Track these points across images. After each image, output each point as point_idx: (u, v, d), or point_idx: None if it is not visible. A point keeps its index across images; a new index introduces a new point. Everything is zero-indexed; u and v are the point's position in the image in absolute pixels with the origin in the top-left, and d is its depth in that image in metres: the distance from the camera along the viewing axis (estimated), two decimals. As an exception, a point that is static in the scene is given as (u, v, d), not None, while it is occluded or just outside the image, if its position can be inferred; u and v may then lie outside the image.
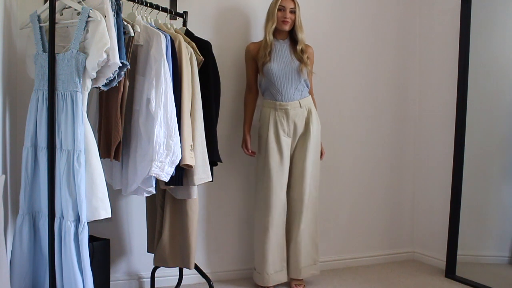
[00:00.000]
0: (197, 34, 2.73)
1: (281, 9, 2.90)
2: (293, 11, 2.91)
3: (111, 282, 2.66)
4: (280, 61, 2.93)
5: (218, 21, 3.13)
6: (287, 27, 2.93)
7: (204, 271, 2.85)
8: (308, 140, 2.96)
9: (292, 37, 3.00)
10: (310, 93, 3.08)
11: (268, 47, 2.91)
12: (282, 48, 2.96)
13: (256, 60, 2.99)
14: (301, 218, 2.99)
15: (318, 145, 3.03)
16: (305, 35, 2.97)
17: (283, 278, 3.01)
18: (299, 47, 2.94)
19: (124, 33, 2.21)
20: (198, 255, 2.92)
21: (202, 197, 3.09)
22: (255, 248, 3.04)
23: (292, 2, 2.91)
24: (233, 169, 3.20)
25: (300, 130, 2.97)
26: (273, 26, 2.91)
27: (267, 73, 2.93)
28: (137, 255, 2.98)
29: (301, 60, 2.93)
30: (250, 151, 3.03)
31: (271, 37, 2.92)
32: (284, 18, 2.90)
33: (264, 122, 2.97)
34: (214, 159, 2.64)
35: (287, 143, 2.95)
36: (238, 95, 3.16)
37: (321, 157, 3.11)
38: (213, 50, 2.73)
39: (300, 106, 2.95)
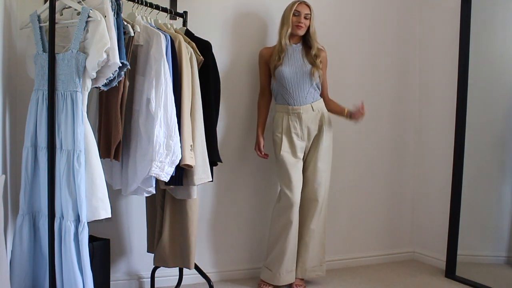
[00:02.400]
0: (197, 34, 2.73)
1: (296, 14, 2.92)
2: (308, 17, 2.94)
3: (111, 282, 2.66)
4: (292, 65, 2.94)
5: (220, 21, 3.13)
6: (300, 32, 2.95)
7: (205, 271, 2.84)
8: (320, 142, 2.98)
9: (305, 41, 3.02)
10: (326, 95, 3.09)
11: (282, 51, 2.93)
12: (294, 52, 2.98)
13: (268, 64, 3.01)
14: (313, 218, 3.00)
15: (330, 147, 3.04)
16: (318, 40, 2.99)
17: (291, 279, 3.01)
18: (312, 52, 2.97)
19: (124, 33, 2.21)
20: (198, 255, 2.92)
21: (204, 197, 3.10)
22: (271, 246, 3.03)
23: (307, 8, 2.94)
24: (242, 171, 3.21)
25: (314, 133, 2.98)
26: (289, 31, 2.93)
27: (278, 76, 2.94)
28: (137, 255, 2.98)
29: (313, 63, 2.95)
30: (263, 153, 3.04)
31: (287, 41, 2.94)
32: (298, 23, 2.92)
33: (277, 127, 2.98)
34: (214, 159, 2.64)
35: (301, 146, 2.97)
36: (249, 97, 3.18)
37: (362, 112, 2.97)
38: (214, 50, 2.73)
39: (313, 110, 2.97)
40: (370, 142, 3.60)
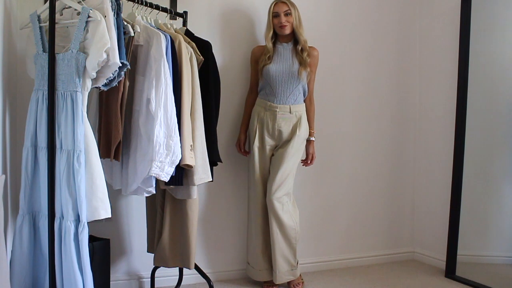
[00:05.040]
0: (197, 34, 2.73)
1: (276, 15, 2.91)
2: (288, 13, 2.89)
3: (111, 282, 2.66)
4: (280, 63, 2.93)
5: (219, 21, 3.13)
6: (286, 31, 2.92)
7: (205, 271, 2.85)
8: (289, 146, 2.93)
9: (296, 39, 2.99)
10: (310, 98, 3.07)
11: (268, 52, 2.93)
12: (284, 51, 2.97)
13: (258, 63, 3.00)
14: (272, 223, 2.94)
15: (298, 153, 3.00)
16: (305, 34, 2.96)
17: (268, 276, 3.03)
18: (299, 47, 2.94)
19: (124, 33, 2.21)
20: (198, 255, 2.92)
21: (203, 196, 3.10)
22: (248, 242, 3.10)
23: (285, 5, 2.89)
24: (235, 169, 3.21)
25: (286, 135, 2.95)
26: (270, 33, 2.93)
27: (266, 74, 2.94)
28: (137, 255, 2.98)
29: (301, 62, 2.93)
30: (242, 150, 3.07)
31: (270, 44, 2.93)
32: (280, 24, 2.89)
33: (252, 120, 3.01)
34: (214, 159, 2.65)
35: (269, 144, 2.98)
36: (242, 97, 3.17)
37: (311, 161, 3.10)
38: (214, 51, 2.73)
39: (290, 112, 2.95)
40: (370, 142, 3.60)
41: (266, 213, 2.99)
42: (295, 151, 2.96)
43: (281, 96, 2.93)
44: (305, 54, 2.93)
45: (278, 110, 2.93)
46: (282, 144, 2.98)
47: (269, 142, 2.97)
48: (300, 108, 2.99)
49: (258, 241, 3.02)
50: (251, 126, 3.02)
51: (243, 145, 3.08)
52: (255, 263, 3.04)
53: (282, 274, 2.98)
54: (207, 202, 3.15)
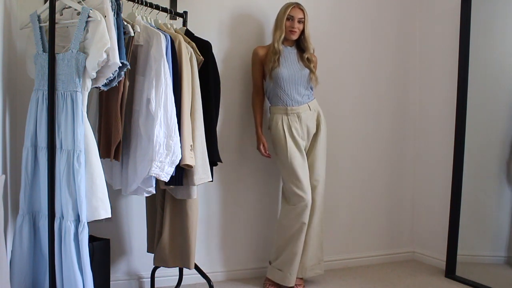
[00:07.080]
0: (197, 34, 2.73)
1: (290, 18, 2.92)
2: (301, 21, 2.93)
3: (111, 282, 2.66)
4: (289, 67, 2.95)
5: (219, 21, 3.14)
6: (294, 37, 2.95)
7: (205, 271, 2.84)
8: (318, 141, 3.01)
9: (298, 44, 3.03)
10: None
11: (277, 53, 2.93)
12: (290, 55, 2.99)
13: (263, 64, 3.00)
14: (312, 217, 3.00)
15: (325, 145, 3.08)
16: (312, 45, 3.00)
17: (295, 279, 3.02)
18: (305, 56, 2.98)
19: (124, 33, 2.21)
20: (198, 255, 2.92)
21: (207, 196, 3.11)
22: (282, 247, 2.98)
23: (301, 11, 2.93)
24: (239, 170, 3.21)
25: (312, 132, 3.01)
26: (282, 36, 2.93)
27: (276, 78, 2.93)
28: (137, 255, 2.98)
29: (309, 68, 2.97)
30: (267, 152, 3.03)
31: (280, 46, 2.94)
32: (292, 28, 2.92)
33: (277, 128, 2.96)
34: (214, 159, 2.65)
35: (303, 145, 2.99)
36: (245, 96, 3.17)
37: None
38: (214, 51, 2.73)
39: (310, 109, 2.99)
40: (370, 142, 3.60)
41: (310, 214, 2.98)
42: (323, 147, 3.05)
43: (297, 98, 2.96)
44: (312, 65, 2.99)
45: (301, 111, 2.95)
46: (311, 142, 3.01)
47: (302, 143, 2.97)
48: (316, 103, 3.06)
49: (300, 243, 2.94)
50: (278, 134, 2.95)
51: (267, 147, 3.03)
52: (292, 268, 2.94)
53: (313, 267, 3.06)
54: (207, 202, 3.14)
